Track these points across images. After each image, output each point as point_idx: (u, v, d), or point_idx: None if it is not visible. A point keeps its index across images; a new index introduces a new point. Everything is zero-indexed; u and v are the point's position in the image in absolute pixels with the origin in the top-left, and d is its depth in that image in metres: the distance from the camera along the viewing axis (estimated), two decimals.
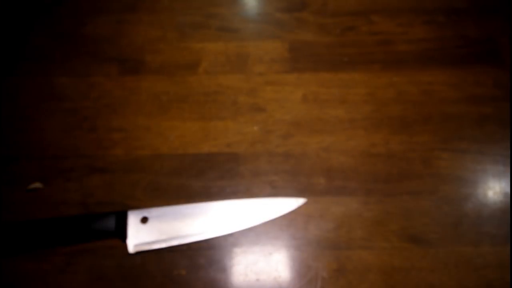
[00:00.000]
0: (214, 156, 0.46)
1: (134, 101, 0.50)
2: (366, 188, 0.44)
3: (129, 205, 0.43)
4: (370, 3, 0.57)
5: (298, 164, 0.45)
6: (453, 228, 0.41)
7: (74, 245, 0.41)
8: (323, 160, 0.45)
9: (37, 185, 0.44)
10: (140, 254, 0.40)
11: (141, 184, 0.44)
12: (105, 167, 0.45)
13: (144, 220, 0.41)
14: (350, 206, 0.43)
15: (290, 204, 0.43)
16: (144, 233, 0.40)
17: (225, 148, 0.46)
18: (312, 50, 0.53)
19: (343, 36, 0.54)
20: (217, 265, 0.40)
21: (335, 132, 0.47)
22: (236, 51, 0.54)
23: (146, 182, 0.44)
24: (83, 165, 0.45)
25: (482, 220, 0.42)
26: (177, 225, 0.41)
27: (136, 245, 0.40)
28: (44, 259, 0.40)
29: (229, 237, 0.41)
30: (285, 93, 0.50)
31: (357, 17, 0.56)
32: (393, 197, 0.43)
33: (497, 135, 0.47)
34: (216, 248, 0.41)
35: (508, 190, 0.43)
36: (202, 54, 0.53)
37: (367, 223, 0.42)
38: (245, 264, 0.40)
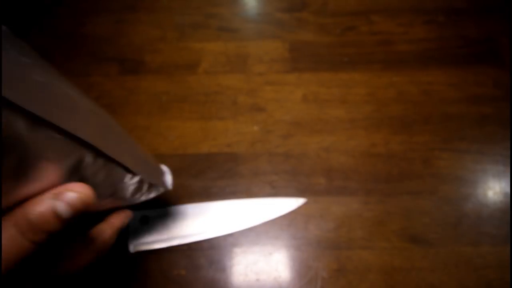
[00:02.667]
0: (214, 156, 0.46)
1: (134, 101, 0.50)
2: (366, 188, 0.44)
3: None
4: (370, 3, 0.57)
5: (298, 164, 0.45)
6: (453, 228, 0.41)
7: None
8: (323, 160, 0.45)
9: None
10: (140, 254, 0.40)
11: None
12: None
13: (144, 220, 0.41)
14: (350, 206, 0.43)
15: (290, 204, 0.43)
16: (144, 233, 0.40)
17: (225, 148, 0.46)
18: (312, 50, 0.53)
19: (343, 36, 0.54)
20: (217, 265, 0.40)
21: (335, 132, 0.47)
22: (236, 51, 0.54)
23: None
24: None
25: (482, 220, 0.42)
26: (177, 225, 0.41)
27: (136, 245, 0.40)
28: None
29: (229, 237, 0.41)
30: (285, 93, 0.50)
31: (357, 17, 0.56)
32: (393, 197, 0.43)
33: (497, 135, 0.47)
34: (216, 248, 0.41)
35: (508, 190, 0.43)
36: (202, 54, 0.53)
37: (367, 223, 0.42)
38: (245, 264, 0.40)
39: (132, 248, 0.40)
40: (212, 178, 0.45)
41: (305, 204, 0.43)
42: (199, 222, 0.41)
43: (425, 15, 0.56)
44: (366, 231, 0.41)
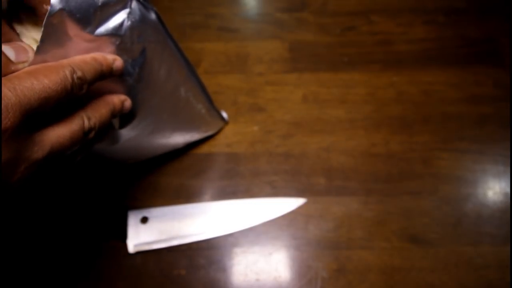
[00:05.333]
0: (214, 156, 0.46)
1: None
2: (366, 188, 0.44)
3: (129, 205, 0.43)
4: (370, 3, 0.57)
5: (298, 164, 0.45)
6: (453, 228, 0.41)
7: (74, 245, 0.41)
8: (323, 160, 0.45)
9: None
10: (140, 254, 0.40)
11: (141, 184, 0.44)
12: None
13: (144, 220, 0.41)
14: (350, 206, 0.43)
15: (290, 204, 0.43)
16: (144, 233, 0.40)
17: (225, 148, 0.46)
18: (312, 50, 0.53)
19: (343, 36, 0.54)
20: (217, 265, 0.40)
21: (335, 132, 0.47)
22: (236, 51, 0.54)
23: (146, 182, 0.44)
24: None
25: (482, 220, 0.42)
26: (177, 225, 0.41)
27: (136, 245, 0.40)
28: None
29: (229, 237, 0.41)
30: (285, 93, 0.50)
31: (357, 17, 0.56)
32: (393, 197, 0.43)
33: (497, 135, 0.47)
34: (216, 248, 0.41)
35: (508, 190, 0.43)
36: (202, 54, 0.53)
37: (367, 223, 0.42)
38: (245, 264, 0.40)
39: (132, 248, 0.40)
40: (212, 178, 0.45)
41: (305, 204, 0.43)
42: (199, 222, 0.42)
43: (425, 15, 0.56)
44: (366, 231, 0.41)
